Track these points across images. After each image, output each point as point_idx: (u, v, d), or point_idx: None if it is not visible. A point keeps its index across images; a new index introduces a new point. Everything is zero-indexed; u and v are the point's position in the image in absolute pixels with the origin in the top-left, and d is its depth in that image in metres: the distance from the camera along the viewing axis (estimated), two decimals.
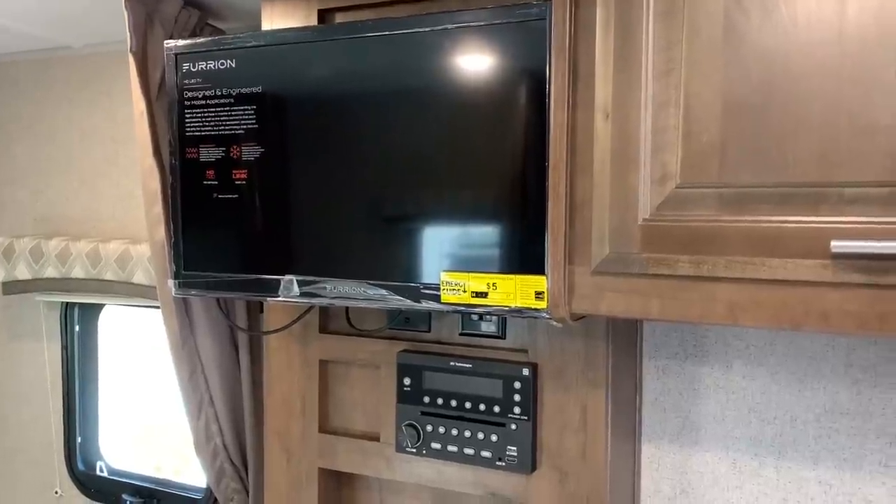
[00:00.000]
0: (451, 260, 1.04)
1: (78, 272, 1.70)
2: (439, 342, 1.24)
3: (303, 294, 1.13)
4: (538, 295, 0.98)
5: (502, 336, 1.20)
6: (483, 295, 1.02)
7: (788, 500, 1.18)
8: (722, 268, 0.79)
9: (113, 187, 1.79)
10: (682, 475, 1.26)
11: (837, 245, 0.72)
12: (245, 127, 1.16)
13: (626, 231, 0.84)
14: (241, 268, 1.19)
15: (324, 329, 1.33)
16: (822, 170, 0.75)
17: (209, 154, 1.19)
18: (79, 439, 1.92)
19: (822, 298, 0.76)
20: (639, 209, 0.83)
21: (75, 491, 1.93)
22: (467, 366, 1.19)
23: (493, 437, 1.16)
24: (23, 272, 1.76)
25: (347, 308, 1.29)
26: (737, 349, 1.21)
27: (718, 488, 1.23)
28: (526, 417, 1.14)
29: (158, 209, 1.35)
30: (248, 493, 1.54)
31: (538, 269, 0.97)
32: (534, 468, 1.15)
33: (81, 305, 1.90)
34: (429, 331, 1.26)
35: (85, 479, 1.92)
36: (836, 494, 1.15)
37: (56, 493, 1.95)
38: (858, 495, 1.14)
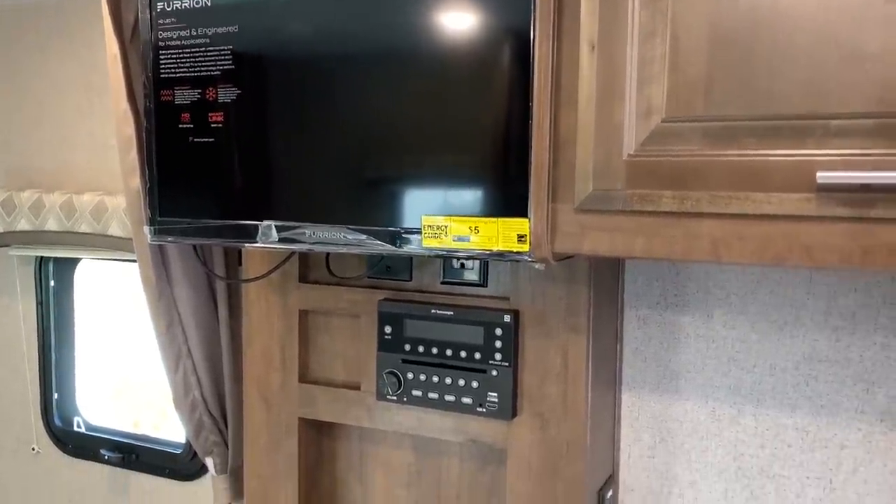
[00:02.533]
0: (433, 204, 1.02)
1: (52, 225, 1.67)
2: (420, 291, 1.23)
3: (281, 240, 1.11)
4: (520, 238, 0.96)
5: (484, 284, 1.19)
6: (465, 239, 1.01)
7: (766, 446, 1.19)
8: (706, 203, 0.79)
9: (87, 138, 1.75)
10: (661, 424, 1.26)
11: (823, 176, 0.71)
12: (221, 68, 1.12)
13: (611, 167, 0.83)
14: (218, 213, 1.16)
15: (303, 279, 1.31)
16: (808, 102, 0.74)
17: (184, 96, 1.16)
18: (55, 396, 1.90)
19: (806, 232, 0.75)
20: (623, 145, 0.82)
21: (53, 448, 1.91)
22: (448, 313, 1.18)
23: (474, 384, 1.15)
24: None
25: (328, 256, 1.28)
26: (718, 298, 1.21)
27: (697, 436, 1.24)
28: (507, 364, 1.14)
29: (133, 156, 1.32)
30: (227, 445, 1.53)
31: (521, 211, 0.95)
32: (514, 414, 1.15)
33: (56, 260, 1.87)
34: (410, 280, 1.24)
35: (62, 435, 1.90)
36: (812, 440, 1.16)
37: (33, 449, 1.94)
38: (834, 441, 1.15)
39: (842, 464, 1.15)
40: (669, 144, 0.80)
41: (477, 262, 1.19)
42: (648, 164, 0.81)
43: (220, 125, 1.14)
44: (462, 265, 1.21)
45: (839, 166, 0.72)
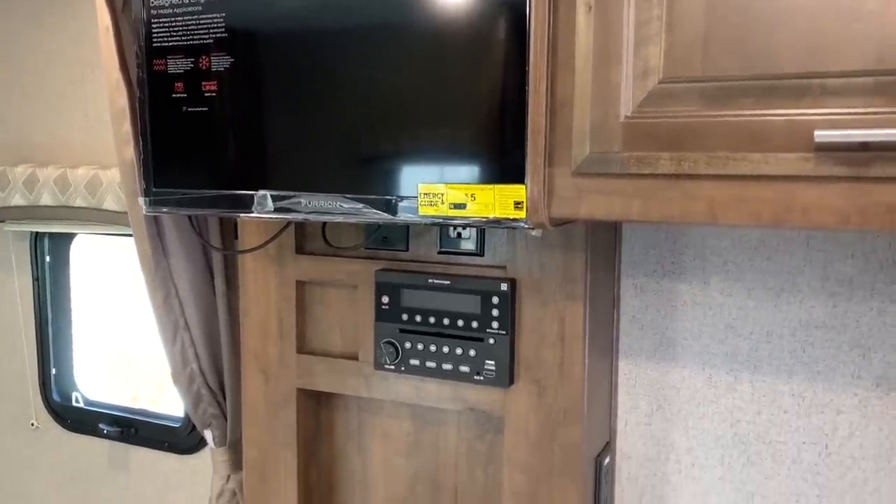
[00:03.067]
0: (429, 172, 1.01)
1: (46, 199, 1.66)
2: (417, 261, 1.23)
3: (277, 209, 1.11)
4: (517, 205, 0.96)
5: (480, 253, 1.19)
6: (461, 206, 1.00)
7: (762, 412, 1.20)
8: (703, 164, 0.78)
9: (80, 112, 1.74)
10: (658, 391, 1.27)
11: (821, 135, 0.71)
12: (214, 36, 1.11)
13: (608, 129, 0.82)
14: (213, 184, 1.15)
15: (300, 250, 1.31)
16: (806, 60, 0.73)
17: (177, 65, 1.15)
18: (53, 371, 1.90)
19: (803, 193, 0.75)
20: (621, 107, 0.81)
21: (52, 423, 1.92)
22: (445, 282, 1.18)
23: (472, 352, 1.16)
24: None
25: (324, 227, 1.28)
26: (714, 265, 1.21)
27: (694, 403, 1.25)
28: (504, 332, 1.14)
29: (127, 127, 1.31)
30: (225, 418, 1.54)
31: (517, 178, 0.95)
32: (511, 382, 1.15)
33: (52, 235, 1.86)
34: (406, 250, 1.24)
35: (61, 410, 1.91)
36: (808, 406, 1.17)
37: (32, 424, 1.94)
38: (830, 406, 1.16)
39: (837, 429, 1.15)
40: (667, 106, 0.80)
41: (474, 232, 1.19)
42: (646, 125, 0.81)
43: (214, 94, 1.13)
44: (459, 235, 1.20)
45: (837, 125, 0.72)
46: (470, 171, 0.99)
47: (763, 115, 0.75)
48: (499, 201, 0.97)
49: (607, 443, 1.28)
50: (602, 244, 1.18)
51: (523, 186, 0.93)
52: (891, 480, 1.13)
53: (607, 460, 1.25)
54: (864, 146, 0.70)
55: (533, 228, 0.93)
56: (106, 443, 1.85)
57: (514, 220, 0.96)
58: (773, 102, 0.75)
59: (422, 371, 1.20)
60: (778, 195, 0.76)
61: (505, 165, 0.96)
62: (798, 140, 0.74)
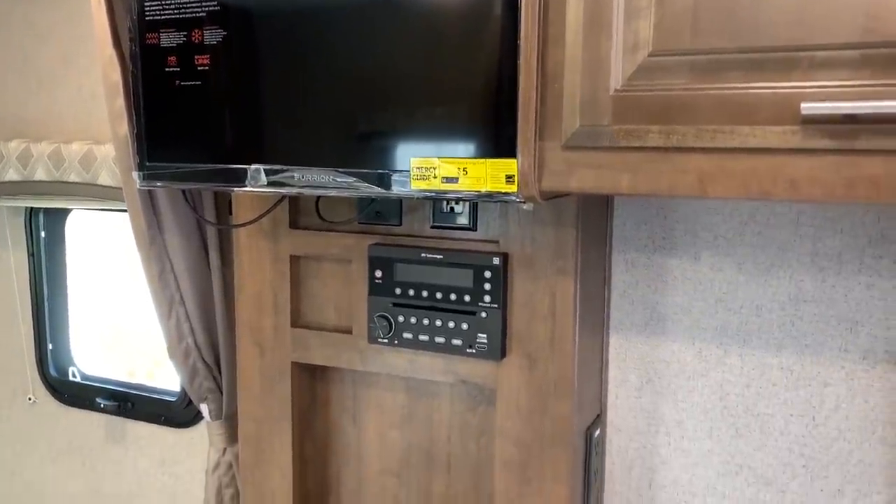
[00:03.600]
0: (422, 146, 1.02)
1: (41, 175, 1.66)
2: (410, 235, 1.24)
3: (270, 183, 1.11)
4: (508, 178, 0.97)
5: (473, 228, 1.20)
6: (453, 180, 1.01)
7: (751, 385, 1.22)
8: (692, 137, 0.79)
9: (73, 88, 1.73)
10: (648, 365, 1.28)
11: (807, 107, 0.71)
12: (206, 9, 1.11)
13: (598, 102, 0.83)
14: (207, 158, 1.16)
15: (294, 225, 1.31)
16: (793, 33, 0.74)
17: (170, 39, 1.14)
18: (50, 346, 1.91)
19: (791, 165, 0.76)
20: (611, 80, 0.82)
21: (49, 397, 1.93)
22: (438, 257, 1.19)
23: (464, 326, 1.17)
24: None
25: (318, 201, 1.28)
26: (705, 241, 1.22)
27: (684, 377, 1.26)
28: (496, 306, 1.15)
29: (120, 102, 1.31)
30: (221, 391, 1.55)
31: (509, 152, 0.95)
32: (503, 355, 1.17)
33: (46, 211, 1.86)
34: (400, 224, 1.25)
35: (58, 384, 1.92)
36: (796, 379, 1.19)
37: (30, 399, 1.96)
38: (818, 379, 1.17)
39: (824, 401, 1.17)
40: (656, 79, 0.80)
41: (466, 207, 1.20)
42: (635, 98, 0.81)
43: (207, 68, 1.13)
44: (451, 209, 1.21)
45: (824, 97, 0.72)
46: (462, 145, 0.99)
47: (751, 87, 0.76)
48: (491, 175, 0.98)
49: (598, 416, 1.29)
50: (593, 220, 1.19)
51: (514, 160, 0.94)
52: (875, 452, 1.14)
53: (598, 433, 1.27)
54: (851, 118, 0.71)
55: (524, 202, 0.94)
56: (103, 417, 1.87)
57: (506, 193, 0.96)
58: (762, 75, 0.76)
59: (415, 344, 1.21)
60: (766, 168, 0.77)
61: (497, 139, 0.96)
62: (786, 113, 0.74)
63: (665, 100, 0.80)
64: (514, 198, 0.95)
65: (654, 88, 0.80)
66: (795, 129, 0.74)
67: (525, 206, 0.96)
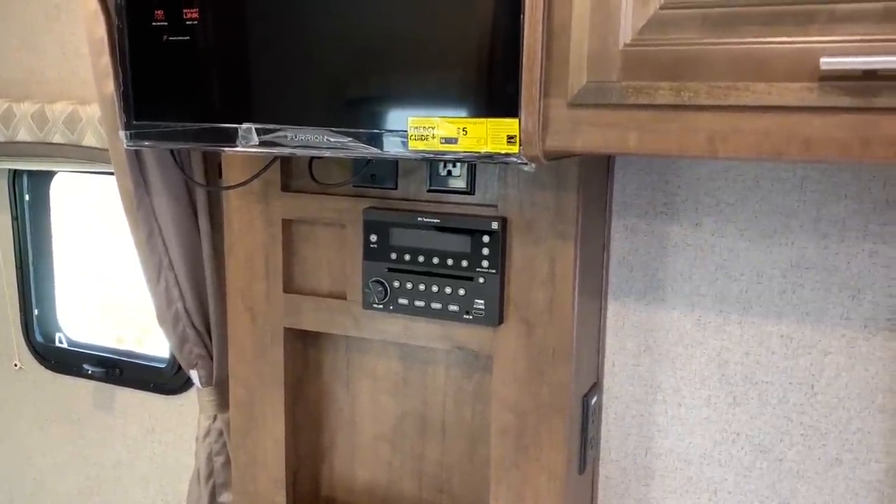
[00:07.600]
0: (419, 105, 0.98)
1: (24, 135, 1.61)
2: (406, 199, 1.21)
3: (262, 143, 1.07)
4: (510, 139, 0.93)
5: (471, 191, 1.17)
6: (452, 141, 0.98)
7: (750, 353, 1.20)
8: (704, 95, 0.76)
9: (56, 46, 1.67)
10: (647, 332, 1.27)
11: (827, 62, 0.68)
12: None
13: (606, 57, 0.79)
14: (196, 116, 1.12)
15: (286, 188, 1.28)
16: None
17: None
18: (35, 311, 1.88)
19: (807, 124, 0.73)
20: (620, 33, 0.79)
21: (35, 363, 1.90)
22: (435, 221, 1.16)
23: (461, 291, 1.14)
24: None
25: (311, 163, 1.24)
26: (707, 206, 1.20)
27: (682, 345, 1.25)
28: (494, 271, 1.13)
29: (106, 60, 1.26)
30: (211, 357, 1.53)
31: (511, 111, 0.92)
32: (501, 321, 1.15)
33: (30, 174, 1.82)
34: (395, 188, 1.22)
35: (44, 351, 1.89)
36: (796, 347, 1.17)
37: (15, 365, 1.93)
38: (818, 347, 1.16)
39: (824, 370, 1.16)
40: (668, 33, 0.77)
41: (464, 170, 1.17)
42: (645, 53, 0.78)
43: (196, 22, 1.08)
44: (449, 172, 1.18)
45: (844, 52, 0.69)
46: (462, 104, 0.96)
47: (767, 42, 0.73)
48: (491, 135, 0.95)
49: (595, 383, 1.28)
50: (594, 184, 1.17)
51: (516, 120, 0.90)
52: (874, 420, 1.14)
53: (595, 400, 1.26)
54: (872, 74, 0.68)
55: (526, 163, 0.91)
56: (91, 384, 1.84)
57: (507, 154, 0.93)
58: (778, 29, 0.73)
59: (411, 310, 1.19)
60: (780, 127, 0.74)
61: (498, 98, 0.93)
62: (803, 69, 0.71)
63: (676, 55, 0.76)
64: (515, 159, 0.92)
65: (666, 43, 0.77)
66: (813, 86, 0.71)
67: (527, 168, 0.93)
